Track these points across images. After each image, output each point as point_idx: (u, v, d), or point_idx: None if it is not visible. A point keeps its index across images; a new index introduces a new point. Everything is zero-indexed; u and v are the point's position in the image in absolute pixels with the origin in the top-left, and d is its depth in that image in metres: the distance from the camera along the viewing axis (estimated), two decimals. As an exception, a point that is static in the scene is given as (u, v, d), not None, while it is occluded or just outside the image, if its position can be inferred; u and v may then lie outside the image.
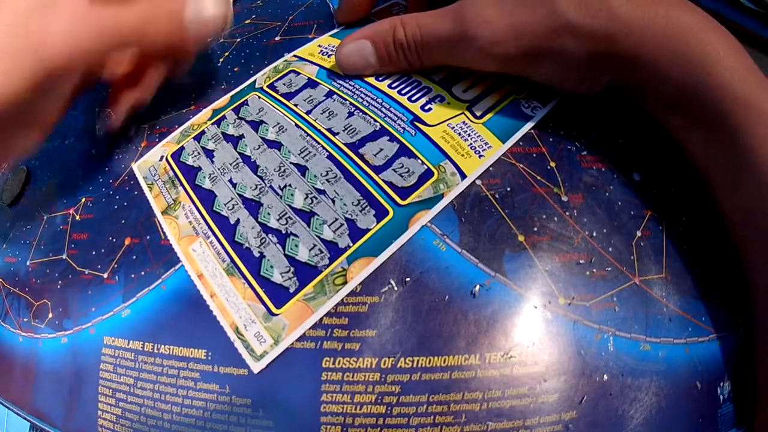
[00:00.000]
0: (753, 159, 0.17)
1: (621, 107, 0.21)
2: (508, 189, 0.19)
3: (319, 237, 0.18)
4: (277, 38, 0.24)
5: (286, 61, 0.24)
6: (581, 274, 0.18)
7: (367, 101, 0.21)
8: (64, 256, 0.22)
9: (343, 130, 0.20)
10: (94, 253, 0.21)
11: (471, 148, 0.19)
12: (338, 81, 0.22)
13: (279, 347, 0.17)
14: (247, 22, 0.27)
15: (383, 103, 0.21)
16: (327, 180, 0.19)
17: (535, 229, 0.18)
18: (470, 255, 0.18)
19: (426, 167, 0.19)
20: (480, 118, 0.20)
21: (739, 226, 0.19)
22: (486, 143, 0.19)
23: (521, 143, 0.20)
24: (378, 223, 0.18)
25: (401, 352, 0.17)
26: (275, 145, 0.21)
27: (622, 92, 0.20)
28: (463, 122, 0.20)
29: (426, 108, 0.20)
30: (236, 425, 0.17)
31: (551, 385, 0.17)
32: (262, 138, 0.21)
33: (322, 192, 0.19)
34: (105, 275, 0.20)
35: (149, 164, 0.22)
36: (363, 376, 0.17)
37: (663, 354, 0.18)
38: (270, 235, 0.19)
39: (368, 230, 0.18)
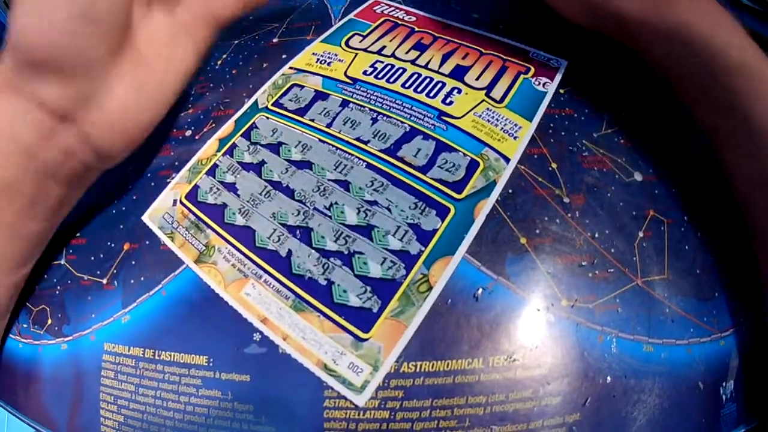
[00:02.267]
0: (754, 120, 0.17)
1: (622, 108, 0.21)
2: (510, 191, 0.19)
3: (386, 249, 0.17)
4: (275, 40, 0.24)
5: (284, 75, 0.23)
6: (584, 276, 0.18)
7: (386, 105, 0.21)
8: (62, 262, 0.21)
9: (374, 137, 0.20)
10: (92, 258, 0.21)
11: (504, 131, 0.19)
12: (349, 89, 0.21)
13: (380, 372, 0.16)
14: (244, 23, 0.27)
15: (404, 104, 0.20)
16: (375, 190, 0.18)
17: (537, 231, 0.18)
18: (473, 258, 0.17)
19: (469, 158, 0.19)
20: (501, 102, 0.20)
21: (742, 185, 0.19)
22: (515, 125, 0.20)
23: (522, 144, 0.20)
24: (443, 221, 0.18)
25: (404, 356, 0.17)
26: (304, 165, 0.20)
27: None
28: (488, 109, 0.20)
29: (447, 102, 0.20)
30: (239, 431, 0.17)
31: (555, 387, 0.17)
32: (286, 160, 0.20)
33: (373, 203, 0.18)
34: (104, 281, 0.20)
35: (162, 212, 0.20)
36: (366, 382, 0.16)
37: (665, 355, 0.18)
38: (332, 259, 0.17)
39: (435, 231, 0.17)
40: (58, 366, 0.20)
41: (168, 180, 0.21)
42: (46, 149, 0.17)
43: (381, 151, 0.19)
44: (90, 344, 0.20)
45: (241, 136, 0.21)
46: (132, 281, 0.20)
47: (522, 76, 0.21)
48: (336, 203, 0.18)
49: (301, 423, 0.17)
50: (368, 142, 0.20)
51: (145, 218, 0.20)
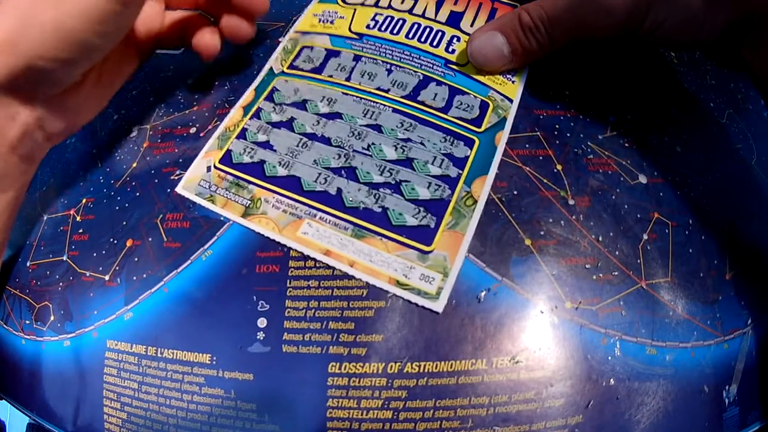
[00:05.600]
0: None
1: (627, 110, 0.21)
2: (515, 192, 0.19)
3: (429, 175, 0.19)
4: (280, 39, 0.24)
5: (291, 39, 0.24)
6: (588, 278, 0.18)
7: (396, 56, 0.22)
8: (64, 258, 0.21)
9: (393, 86, 0.21)
10: (95, 254, 0.21)
11: (503, 76, 0.21)
12: (357, 44, 0.23)
13: (450, 278, 0.17)
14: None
15: (412, 55, 0.22)
16: (406, 129, 0.20)
17: (542, 233, 0.18)
18: (477, 259, 0.17)
19: (480, 99, 0.21)
20: None
21: None
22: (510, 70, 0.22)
23: (527, 146, 0.20)
24: (471, 150, 0.20)
25: (408, 356, 0.17)
26: (334, 116, 0.21)
27: (734, 38, 0.20)
28: None
29: (450, 50, 0.22)
30: (242, 430, 0.17)
31: (558, 389, 0.17)
32: (315, 114, 0.21)
33: (407, 140, 0.20)
34: (106, 277, 0.20)
35: (196, 180, 0.20)
36: (369, 381, 0.17)
37: (670, 358, 0.18)
38: (382, 190, 0.19)
39: (467, 157, 0.19)
40: (61, 363, 0.20)
41: (172, 177, 0.21)
42: (10, 128, 0.19)
43: (402, 97, 0.21)
44: (92, 341, 0.20)
45: (264, 99, 0.22)
46: (135, 278, 0.20)
47: None
48: (373, 143, 0.20)
49: (305, 422, 0.17)
50: (389, 90, 0.21)
51: (179, 189, 0.21)
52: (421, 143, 0.20)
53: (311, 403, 0.17)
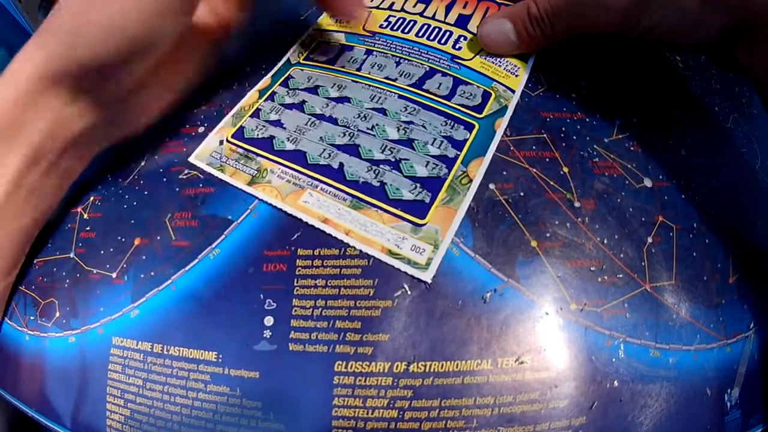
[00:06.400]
0: None
1: (633, 113, 0.22)
2: (522, 194, 0.19)
3: (428, 155, 0.20)
4: (289, 39, 0.24)
5: (309, 36, 0.25)
6: (593, 281, 0.18)
7: (405, 51, 0.23)
8: (71, 255, 0.21)
9: (400, 76, 0.22)
10: (102, 252, 0.21)
11: (506, 70, 0.22)
12: (370, 40, 0.24)
13: (440, 250, 0.18)
14: (261, 27, 0.27)
15: (420, 50, 0.23)
16: (409, 113, 0.21)
17: (548, 234, 0.18)
18: (483, 260, 0.18)
19: (483, 89, 0.22)
20: None
21: None
22: (515, 65, 0.23)
23: (534, 147, 0.20)
24: (470, 133, 0.20)
25: (414, 356, 0.17)
26: (343, 100, 0.22)
27: (731, 43, 0.20)
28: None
29: (457, 47, 0.23)
30: (247, 428, 0.17)
31: (562, 390, 0.17)
32: (325, 98, 0.22)
33: (409, 123, 0.21)
34: (114, 275, 0.20)
35: (209, 151, 0.22)
36: (375, 381, 0.17)
37: (673, 360, 0.18)
38: (381, 166, 0.20)
39: (466, 140, 0.20)
40: (65, 359, 0.20)
41: (181, 176, 0.21)
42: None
43: (409, 85, 0.22)
44: (98, 338, 0.20)
45: (280, 85, 0.23)
46: (142, 276, 0.20)
47: None
48: (377, 124, 0.21)
49: (310, 420, 0.17)
50: (396, 79, 0.22)
51: (192, 159, 0.21)
52: (423, 126, 0.21)
53: (317, 402, 0.17)
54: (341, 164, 0.20)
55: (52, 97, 0.19)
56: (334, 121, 0.21)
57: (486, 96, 0.21)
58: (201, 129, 0.22)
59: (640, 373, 0.17)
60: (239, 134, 0.22)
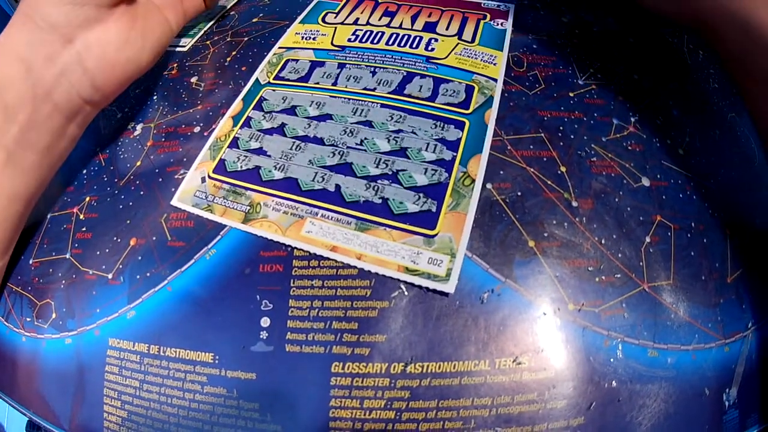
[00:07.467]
0: None
1: (631, 113, 0.21)
2: (519, 194, 0.19)
3: (424, 161, 0.19)
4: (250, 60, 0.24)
5: (275, 54, 0.24)
6: (590, 281, 0.18)
7: (379, 59, 0.23)
8: (67, 256, 0.21)
9: (378, 85, 0.22)
10: (98, 253, 0.21)
11: (483, 61, 0.22)
12: (340, 54, 0.23)
13: (458, 258, 0.17)
14: (254, 20, 0.27)
15: (394, 57, 0.23)
16: (396, 121, 0.20)
17: (546, 234, 0.18)
18: (481, 260, 0.18)
19: (465, 84, 0.22)
20: (472, 41, 0.24)
21: None
22: (491, 56, 0.23)
23: (532, 147, 0.20)
24: (463, 131, 0.20)
25: (411, 357, 0.17)
26: (324, 117, 0.21)
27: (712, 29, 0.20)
28: (465, 48, 0.23)
29: (429, 49, 0.23)
30: (244, 429, 0.17)
31: (560, 391, 0.17)
32: (306, 118, 0.21)
33: (399, 131, 0.20)
34: (110, 276, 0.20)
35: (191, 191, 0.20)
36: (372, 382, 0.17)
37: (671, 360, 0.18)
38: (379, 181, 0.19)
39: (459, 139, 0.20)
40: (62, 360, 0.20)
41: (176, 176, 0.21)
42: (48, 69, 0.20)
43: (389, 93, 0.22)
44: (94, 339, 0.20)
45: (253, 109, 0.22)
46: (138, 277, 0.20)
47: (482, 21, 0.25)
48: (366, 138, 0.20)
49: (307, 422, 0.17)
50: (375, 89, 0.22)
51: (174, 202, 0.20)
52: (413, 132, 0.20)
53: (314, 403, 0.17)
54: (337, 186, 0.19)
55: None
56: (320, 141, 0.20)
57: (469, 90, 0.21)
58: (197, 129, 0.22)
59: (639, 373, 0.17)
60: (221, 168, 0.20)
